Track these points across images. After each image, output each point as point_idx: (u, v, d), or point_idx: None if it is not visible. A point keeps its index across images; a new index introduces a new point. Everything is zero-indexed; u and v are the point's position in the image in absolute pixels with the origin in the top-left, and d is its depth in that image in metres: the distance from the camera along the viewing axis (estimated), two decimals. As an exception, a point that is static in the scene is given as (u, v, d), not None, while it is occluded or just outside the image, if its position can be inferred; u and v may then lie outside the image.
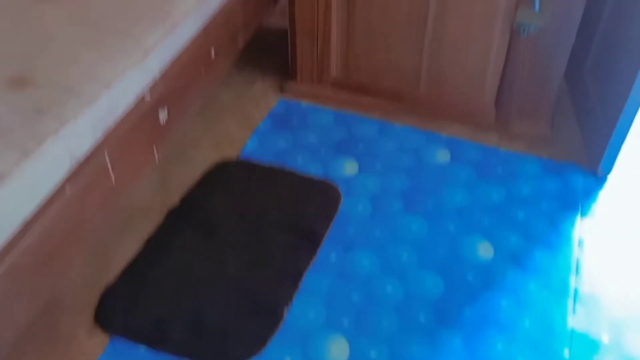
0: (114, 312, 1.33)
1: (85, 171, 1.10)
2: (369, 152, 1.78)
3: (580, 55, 1.87)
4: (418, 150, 1.79)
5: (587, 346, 1.31)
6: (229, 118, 1.91)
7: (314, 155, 1.77)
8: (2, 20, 1.26)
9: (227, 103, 1.96)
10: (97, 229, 1.19)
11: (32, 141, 0.98)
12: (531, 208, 1.61)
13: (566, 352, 1.29)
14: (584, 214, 1.61)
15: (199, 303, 1.34)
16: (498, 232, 1.55)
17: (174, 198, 1.61)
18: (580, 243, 1.53)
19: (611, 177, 1.71)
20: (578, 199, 1.65)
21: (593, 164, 1.73)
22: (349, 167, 1.73)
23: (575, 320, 1.36)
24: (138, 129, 1.26)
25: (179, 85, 1.40)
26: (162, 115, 1.34)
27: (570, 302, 1.39)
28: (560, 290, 1.41)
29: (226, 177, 1.68)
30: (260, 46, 2.11)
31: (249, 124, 1.88)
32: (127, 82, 1.19)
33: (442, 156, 1.77)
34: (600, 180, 1.71)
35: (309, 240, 1.49)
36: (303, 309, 1.35)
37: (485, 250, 1.50)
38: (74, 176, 1.08)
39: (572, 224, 1.58)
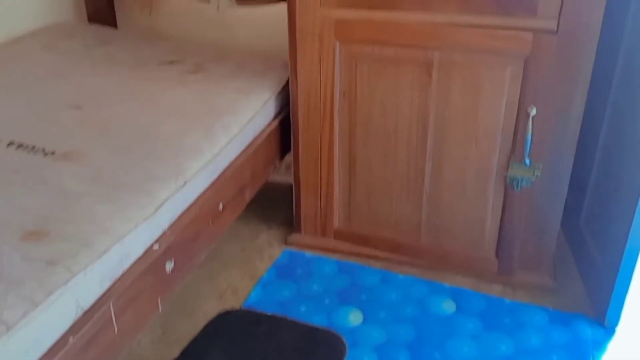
0: None
1: (90, 322, 1.10)
2: (374, 302, 1.78)
3: (575, 207, 1.93)
4: (422, 300, 1.79)
5: None
6: (233, 269, 1.93)
7: (318, 305, 1.76)
8: (23, 178, 1.34)
9: (231, 255, 2.00)
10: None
11: (41, 292, 1.00)
12: (541, 361, 1.57)
13: None
14: (596, 367, 1.56)
15: None
16: (509, 387, 1.49)
17: (175, 350, 1.57)
18: (596, 399, 1.46)
19: (620, 328, 1.68)
20: (588, 351, 1.61)
21: (599, 314, 1.71)
22: (354, 317, 1.72)
23: None
24: (144, 279, 1.28)
25: (187, 236, 1.44)
26: (169, 266, 1.37)
27: None
28: None
29: (228, 327, 1.66)
30: (266, 200, 2.20)
31: (253, 275, 1.90)
32: (138, 234, 1.24)
33: (447, 306, 1.76)
34: (609, 331, 1.68)
35: (312, 396, 1.43)
36: None
37: (497, 407, 1.43)
38: (77, 327, 1.08)
39: (585, 378, 1.52)
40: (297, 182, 1.98)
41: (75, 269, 1.07)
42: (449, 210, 1.84)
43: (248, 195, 1.80)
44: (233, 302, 1.78)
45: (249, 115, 1.76)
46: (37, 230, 1.14)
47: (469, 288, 1.84)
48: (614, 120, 1.71)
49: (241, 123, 1.71)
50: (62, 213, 1.21)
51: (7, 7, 2.14)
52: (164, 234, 1.34)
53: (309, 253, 2.01)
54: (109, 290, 1.17)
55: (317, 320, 1.70)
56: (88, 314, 1.11)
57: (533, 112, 1.60)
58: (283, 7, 1.76)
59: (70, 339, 1.05)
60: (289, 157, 2.03)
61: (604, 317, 1.69)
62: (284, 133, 1.96)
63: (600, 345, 1.63)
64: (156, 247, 1.31)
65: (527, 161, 1.66)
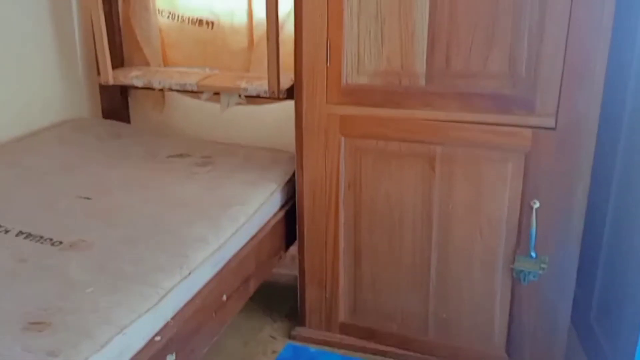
0: None
1: (86, 418, 1.07)
2: (380, 402, 1.71)
3: (585, 302, 1.90)
4: (431, 399, 1.72)
5: None
6: (236, 365, 1.87)
7: (322, 404, 1.70)
8: (29, 267, 1.35)
9: (234, 349, 1.95)
10: None
11: (40, 384, 0.98)
12: None
13: None
14: None
15: None
16: None
17: None
18: None
19: None
20: None
21: (617, 415, 1.63)
22: (359, 418, 1.65)
23: None
24: (144, 374, 1.25)
25: (190, 327, 1.42)
26: (170, 359, 1.34)
27: None
28: None
29: None
30: (270, 292, 2.17)
31: (255, 371, 1.85)
32: (140, 325, 1.22)
33: (457, 407, 1.69)
34: None
35: None
36: None
37: None
38: (73, 423, 1.04)
39: None
40: (302, 273, 1.96)
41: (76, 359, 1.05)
42: (457, 304, 1.81)
43: (252, 286, 1.78)
44: (234, 400, 1.71)
45: (256, 205, 1.79)
46: (40, 321, 1.13)
47: (480, 386, 1.77)
48: (618, 215, 1.73)
49: (248, 213, 1.73)
50: (65, 303, 1.21)
51: (27, 103, 2.24)
52: (166, 325, 1.32)
53: (313, 348, 1.95)
54: (108, 385, 1.14)
55: (321, 420, 1.62)
56: (85, 409, 1.07)
57: (536, 205, 1.62)
58: (288, 104, 1.84)
59: None
60: (293, 249, 2.03)
61: (622, 419, 1.61)
62: (289, 224, 1.98)
63: None
64: (158, 338, 1.29)
65: (533, 254, 1.66)
